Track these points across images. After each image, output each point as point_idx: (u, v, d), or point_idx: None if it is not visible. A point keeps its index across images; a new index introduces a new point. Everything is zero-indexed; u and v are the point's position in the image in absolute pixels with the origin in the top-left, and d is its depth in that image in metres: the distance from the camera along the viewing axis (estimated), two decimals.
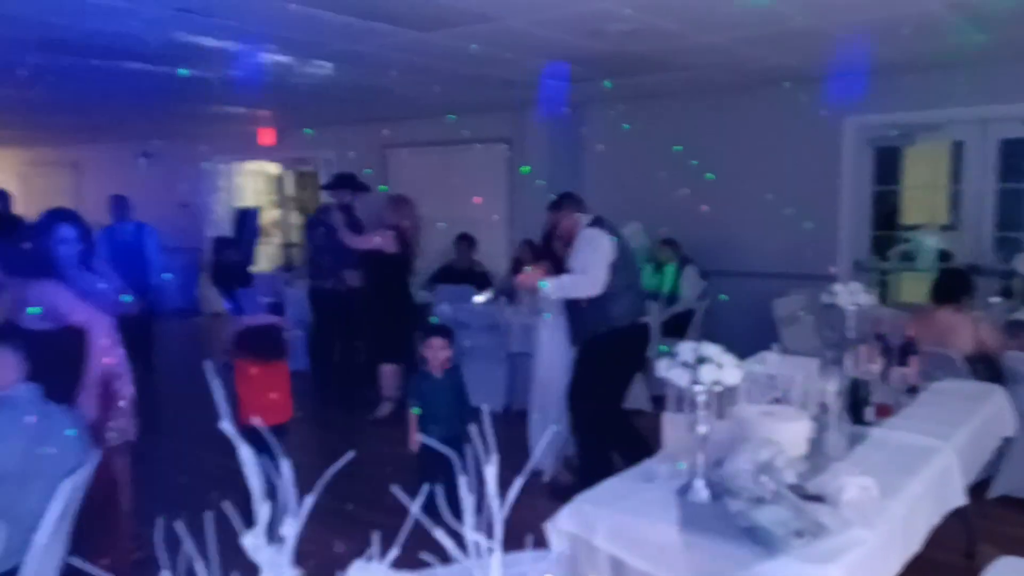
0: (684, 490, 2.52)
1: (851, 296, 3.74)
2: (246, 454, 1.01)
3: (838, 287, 3.78)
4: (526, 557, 1.36)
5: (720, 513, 2.36)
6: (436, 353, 4.25)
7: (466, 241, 8.01)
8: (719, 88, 7.43)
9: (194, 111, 8.91)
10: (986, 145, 6.60)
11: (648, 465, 2.77)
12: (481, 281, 7.43)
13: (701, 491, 2.48)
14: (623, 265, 4.38)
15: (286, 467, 1.09)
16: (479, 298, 6.39)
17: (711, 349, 2.48)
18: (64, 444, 2.59)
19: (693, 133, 7.72)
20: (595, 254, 4.30)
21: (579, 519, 2.46)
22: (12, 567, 2.27)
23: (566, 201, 4.66)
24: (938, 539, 2.69)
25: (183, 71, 6.31)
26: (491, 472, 1.18)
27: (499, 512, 1.16)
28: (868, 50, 5.72)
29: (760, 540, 2.18)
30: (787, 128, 7.25)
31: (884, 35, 5.29)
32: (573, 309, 4.49)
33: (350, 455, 1.20)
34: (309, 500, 1.11)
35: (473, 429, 1.18)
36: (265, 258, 11.91)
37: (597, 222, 4.49)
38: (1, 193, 7.55)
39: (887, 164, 7.19)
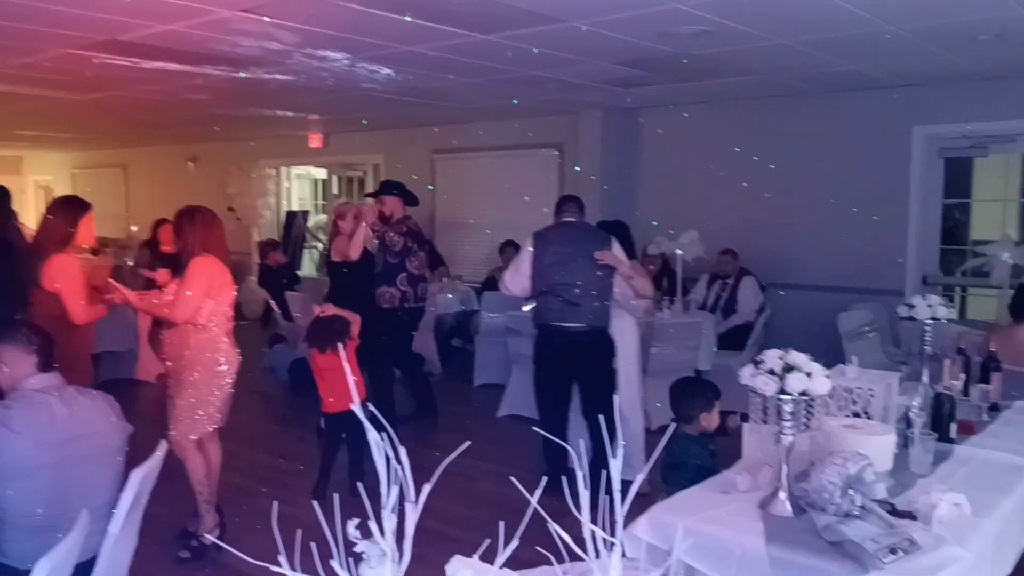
0: (766, 503, 2.42)
1: (929, 310, 3.60)
2: (373, 438, 0.96)
3: (916, 300, 3.65)
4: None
5: (805, 527, 2.28)
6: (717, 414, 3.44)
7: (512, 248, 7.92)
8: (784, 93, 7.27)
9: (245, 114, 8.98)
10: None
11: (726, 476, 2.68)
12: None
13: (784, 504, 2.38)
14: (544, 271, 4.61)
15: (404, 455, 1.04)
16: (527, 306, 6.30)
17: (799, 357, 2.38)
18: (100, 427, 2.56)
19: (755, 140, 7.55)
20: (514, 261, 4.88)
21: (657, 528, 2.38)
22: (89, 557, 2.24)
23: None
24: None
25: (242, 73, 6.35)
26: (615, 467, 1.12)
27: (621, 508, 1.11)
28: (941, 57, 5.56)
29: (851, 556, 2.09)
30: (853, 136, 7.08)
31: (959, 41, 5.14)
32: None
33: (466, 444, 1.14)
34: (426, 488, 1.05)
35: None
36: (309, 262, 11.94)
37: (545, 229, 4.80)
38: None
39: (956, 176, 6.97)
